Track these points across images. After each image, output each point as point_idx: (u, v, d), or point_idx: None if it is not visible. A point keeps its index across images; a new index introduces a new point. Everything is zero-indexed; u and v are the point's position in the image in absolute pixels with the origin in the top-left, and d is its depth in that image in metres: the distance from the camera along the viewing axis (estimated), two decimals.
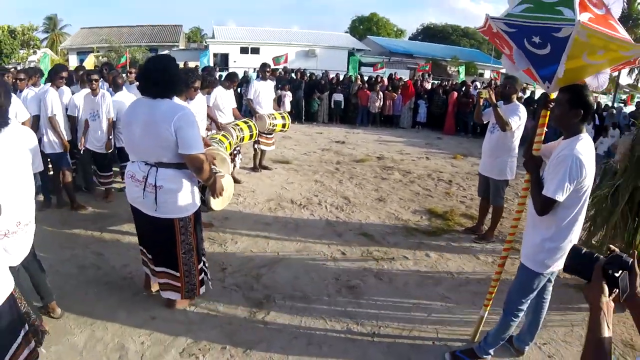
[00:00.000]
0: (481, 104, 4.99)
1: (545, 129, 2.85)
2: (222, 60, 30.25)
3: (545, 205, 2.44)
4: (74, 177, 5.61)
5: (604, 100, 31.09)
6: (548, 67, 2.93)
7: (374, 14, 51.96)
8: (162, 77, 2.76)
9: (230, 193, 3.75)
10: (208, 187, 3.21)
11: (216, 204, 3.56)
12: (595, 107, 12.56)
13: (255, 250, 4.47)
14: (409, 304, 3.66)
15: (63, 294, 3.31)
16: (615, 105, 21.94)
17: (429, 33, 51.84)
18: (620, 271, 1.05)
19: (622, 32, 3.07)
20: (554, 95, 2.75)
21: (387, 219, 5.70)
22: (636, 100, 30.27)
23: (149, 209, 2.92)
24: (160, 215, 2.92)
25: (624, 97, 30.65)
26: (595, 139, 11.06)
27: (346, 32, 46.89)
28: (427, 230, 5.35)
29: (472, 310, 3.54)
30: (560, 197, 2.38)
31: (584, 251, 1.17)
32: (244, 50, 30.79)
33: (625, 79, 37.31)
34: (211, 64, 25.63)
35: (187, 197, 2.96)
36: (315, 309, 3.48)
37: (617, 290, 1.05)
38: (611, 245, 1.17)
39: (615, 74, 36.41)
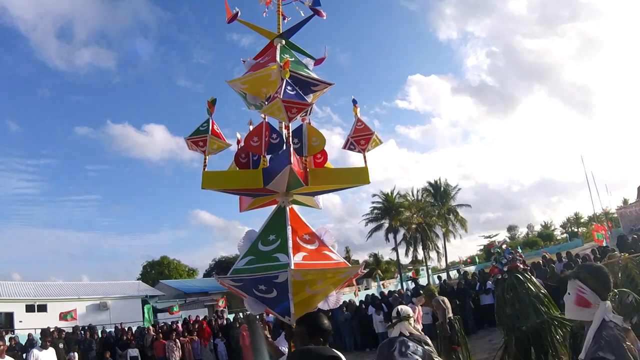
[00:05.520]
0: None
1: None
2: (7, 320, 26.02)
3: None
4: None
5: (393, 284, 35.24)
6: (280, 305, 3.45)
7: (164, 257, 52.49)
8: None
9: None
10: None
11: None
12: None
13: None
14: None
15: None
16: (403, 284, 24.62)
17: (222, 266, 53.63)
18: None
19: (336, 257, 3.88)
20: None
21: None
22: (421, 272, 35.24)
23: None
24: None
25: (409, 274, 34.97)
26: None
27: (138, 278, 45.45)
28: None
29: None
30: None
31: None
32: (29, 308, 26.94)
33: (404, 259, 43.98)
34: None
35: None
36: None
37: None
38: None
39: (395, 258, 42.58)
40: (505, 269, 6.45)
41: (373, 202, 43.98)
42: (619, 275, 6.27)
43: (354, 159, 4.29)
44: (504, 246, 6.88)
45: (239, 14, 4.53)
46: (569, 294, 2.65)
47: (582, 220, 68.50)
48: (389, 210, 42.16)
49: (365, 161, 4.02)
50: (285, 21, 4.65)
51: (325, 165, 4.18)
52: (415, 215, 42.10)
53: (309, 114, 4.10)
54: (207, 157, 4.01)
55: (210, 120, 4.03)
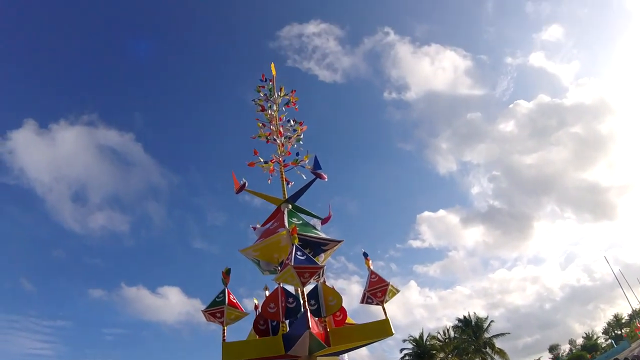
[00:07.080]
0: None
1: None
2: None
3: None
4: None
5: None
6: None
7: None
8: None
9: None
10: None
11: None
12: None
13: None
14: None
15: None
16: None
17: None
18: None
19: None
20: None
21: None
22: None
23: None
24: None
25: None
26: None
27: None
28: None
29: None
30: None
31: None
32: None
33: None
34: None
35: None
36: None
37: None
38: None
39: None
40: None
41: (403, 349, 41.50)
42: None
43: (376, 306, 4.24)
44: None
45: (247, 184, 4.87)
46: None
47: (623, 321, 64.55)
48: (422, 355, 39.76)
49: (385, 313, 3.99)
50: (290, 185, 4.99)
51: (346, 321, 4.14)
52: (450, 356, 39.65)
53: (323, 275, 4.18)
54: (225, 328, 3.99)
55: (226, 291, 4.10)
